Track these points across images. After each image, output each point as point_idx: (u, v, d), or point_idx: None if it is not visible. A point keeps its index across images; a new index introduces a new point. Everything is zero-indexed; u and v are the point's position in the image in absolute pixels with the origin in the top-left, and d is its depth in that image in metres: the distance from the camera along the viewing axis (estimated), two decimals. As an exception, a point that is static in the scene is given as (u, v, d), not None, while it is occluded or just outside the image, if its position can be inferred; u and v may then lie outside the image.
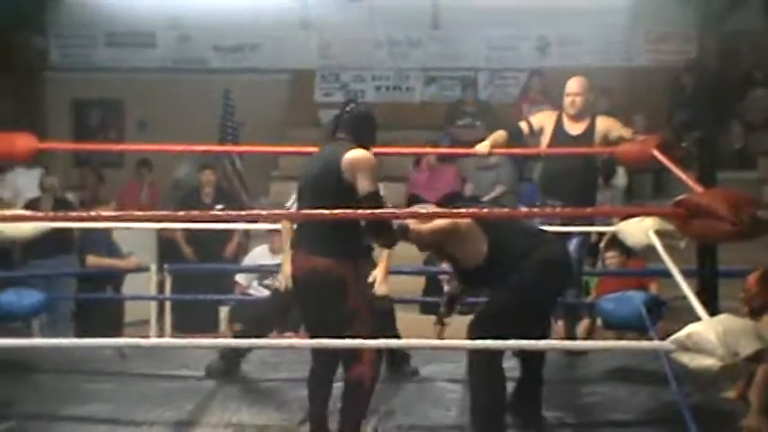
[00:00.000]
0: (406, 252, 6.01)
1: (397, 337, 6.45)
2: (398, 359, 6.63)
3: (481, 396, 5.27)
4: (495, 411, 5.31)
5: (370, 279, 6.27)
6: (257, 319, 6.65)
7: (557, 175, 7.17)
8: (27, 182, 10.72)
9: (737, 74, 12.35)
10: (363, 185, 4.92)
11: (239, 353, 6.50)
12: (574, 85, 7.22)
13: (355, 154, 4.99)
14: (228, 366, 6.53)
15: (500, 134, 7.23)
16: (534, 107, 11.56)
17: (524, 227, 5.62)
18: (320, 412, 5.27)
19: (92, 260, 9.04)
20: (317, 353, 5.25)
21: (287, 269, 5.87)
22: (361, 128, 5.19)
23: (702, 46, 12.50)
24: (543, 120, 7.29)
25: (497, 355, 5.29)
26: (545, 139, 7.24)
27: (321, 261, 5.01)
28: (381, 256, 6.49)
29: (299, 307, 5.33)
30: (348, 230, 5.04)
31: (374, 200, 4.91)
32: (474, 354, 5.23)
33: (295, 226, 5.52)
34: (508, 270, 5.24)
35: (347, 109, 5.25)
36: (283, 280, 6.11)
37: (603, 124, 7.18)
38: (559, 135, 7.18)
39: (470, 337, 5.17)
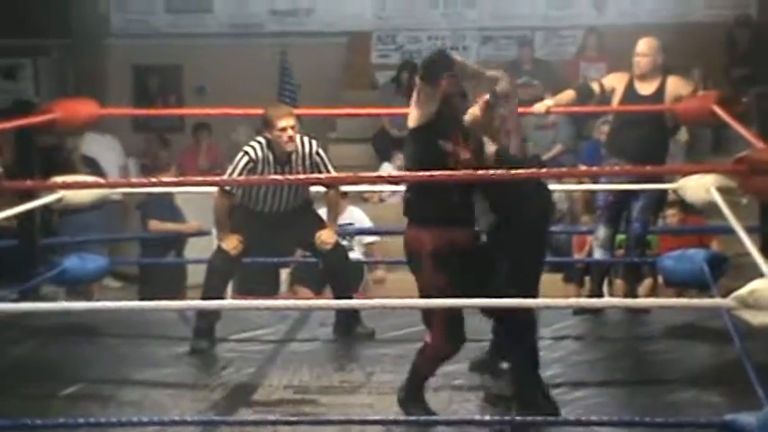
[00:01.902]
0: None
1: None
2: (351, 320, 6.65)
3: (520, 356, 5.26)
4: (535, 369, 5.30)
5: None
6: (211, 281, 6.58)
7: (625, 134, 7.15)
8: (99, 147, 10.82)
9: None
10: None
11: (215, 316, 6.49)
12: (642, 45, 7.21)
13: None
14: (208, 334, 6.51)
15: (568, 93, 7.25)
16: (591, 65, 11.50)
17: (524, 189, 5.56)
18: None
19: (154, 224, 9.15)
20: None
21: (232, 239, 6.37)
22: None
23: (761, 0, 12.31)
24: (614, 81, 7.28)
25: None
26: (616, 99, 7.23)
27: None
28: (331, 207, 6.67)
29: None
30: None
31: None
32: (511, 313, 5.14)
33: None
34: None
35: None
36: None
37: (674, 84, 7.16)
38: (630, 95, 7.17)
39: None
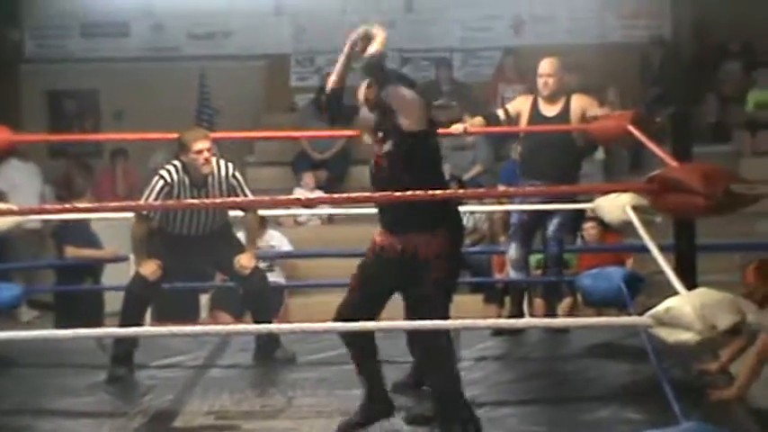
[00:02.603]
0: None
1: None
2: (271, 344, 6.62)
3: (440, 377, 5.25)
4: (456, 388, 5.31)
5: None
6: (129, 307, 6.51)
7: (536, 156, 7.16)
8: (20, 175, 10.67)
9: (711, 47, 12.36)
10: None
11: (133, 343, 6.44)
12: (545, 66, 7.19)
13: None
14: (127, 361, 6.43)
15: (478, 120, 7.27)
16: (509, 86, 11.60)
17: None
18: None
19: (70, 251, 9.02)
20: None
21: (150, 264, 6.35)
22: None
23: (675, 20, 12.51)
24: (519, 105, 7.29)
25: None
26: (522, 122, 7.23)
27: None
28: (249, 231, 6.65)
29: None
30: None
31: None
32: (427, 335, 5.10)
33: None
34: None
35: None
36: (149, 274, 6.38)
37: (579, 102, 7.16)
38: (536, 117, 7.17)
39: (418, 318, 5.01)
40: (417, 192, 4.87)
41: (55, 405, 5.91)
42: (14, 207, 7.60)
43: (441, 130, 8.42)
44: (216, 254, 6.57)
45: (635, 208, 6.31)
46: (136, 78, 12.48)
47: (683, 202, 4.44)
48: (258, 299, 6.61)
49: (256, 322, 6.59)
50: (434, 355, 5.11)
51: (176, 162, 6.40)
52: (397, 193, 4.88)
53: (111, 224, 9.02)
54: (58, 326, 8.60)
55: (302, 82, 12.86)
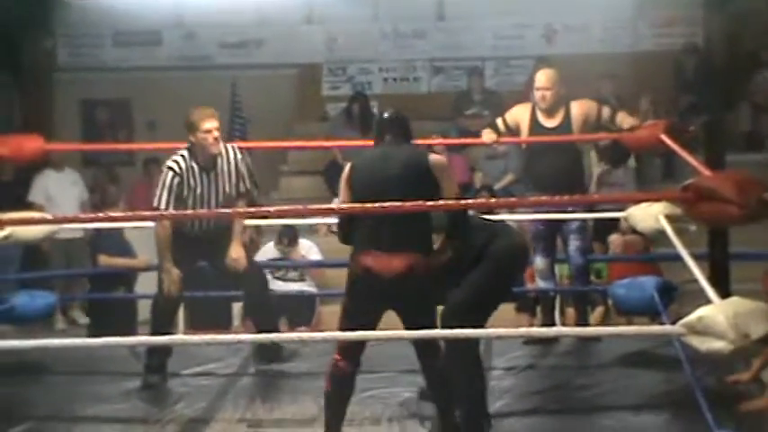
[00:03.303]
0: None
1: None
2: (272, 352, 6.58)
3: (465, 386, 5.27)
4: (479, 399, 5.34)
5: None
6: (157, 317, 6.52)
7: (541, 170, 7.08)
8: (56, 184, 10.76)
9: (744, 55, 12.30)
10: (452, 187, 5.20)
11: (166, 352, 6.44)
12: (542, 78, 7.10)
13: (440, 158, 5.43)
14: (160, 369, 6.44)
15: (487, 131, 7.23)
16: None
17: (475, 222, 5.61)
18: None
19: (104, 260, 9.07)
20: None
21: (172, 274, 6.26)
22: (408, 130, 5.35)
23: (707, 29, 12.46)
24: (518, 115, 7.19)
25: (475, 342, 5.33)
26: (522, 134, 7.18)
27: (417, 257, 5.06)
28: (236, 222, 6.54)
29: (402, 305, 5.20)
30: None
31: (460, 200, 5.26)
32: (452, 344, 5.17)
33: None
34: (473, 257, 5.31)
35: (386, 115, 5.37)
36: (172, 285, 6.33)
37: (579, 110, 7.07)
38: (536, 128, 7.10)
39: (445, 327, 5.09)
40: (446, 201, 4.93)
41: (89, 412, 5.96)
42: (48, 216, 7.65)
43: (472, 140, 8.53)
44: (222, 254, 6.49)
45: (668, 217, 6.29)
46: (168, 87, 12.52)
47: (718, 211, 4.42)
48: (258, 305, 6.58)
49: (259, 330, 6.54)
50: (452, 365, 5.17)
51: (182, 151, 6.36)
52: (429, 203, 4.90)
53: (145, 233, 9.07)
54: (91, 334, 8.65)
55: (334, 91, 12.88)
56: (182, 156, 6.33)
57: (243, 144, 11.30)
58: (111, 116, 13.13)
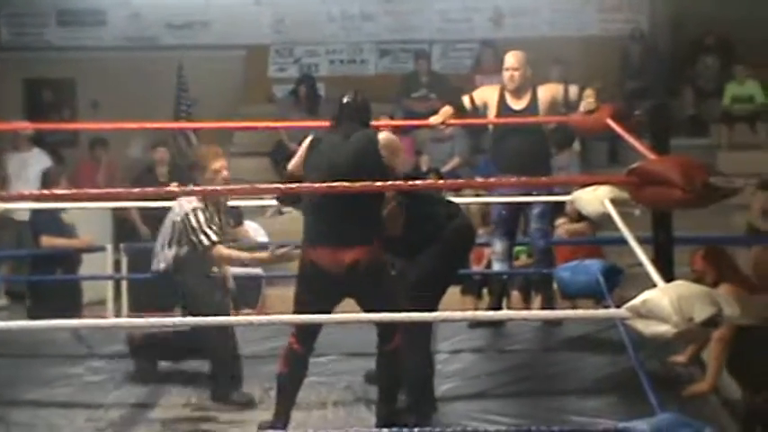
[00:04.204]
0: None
1: None
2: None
3: (414, 369, 5.30)
4: (426, 383, 5.40)
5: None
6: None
7: (507, 151, 7.11)
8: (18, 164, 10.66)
9: (688, 41, 12.39)
10: (402, 164, 5.22)
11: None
12: (511, 59, 7.13)
13: (390, 137, 5.24)
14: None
15: (446, 110, 7.19)
16: (487, 79, 11.58)
17: (438, 196, 5.69)
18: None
19: (45, 240, 8.87)
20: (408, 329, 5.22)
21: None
22: (367, 114, 5.32)
23: (653, 14, 12.54)
24: (485, 94, 7.21)
25: (427, 325, 5.36)
26: (490, 113, 7.19)
27: (367, 248, 5.05)
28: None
29: (356, 295, 5.18)
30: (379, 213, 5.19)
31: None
32: (403, 327, 5.16)
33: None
34: (426, 238, 5.35)
35: (346, 100, 5.30)
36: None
37: (546, 93, 7.11)
38: (503, 110, 7.12)
39: (396, 308, 4.98)
40: (397, 182, 4.93)
41: (29, 396, 5.90)
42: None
43: (419, 122, 8.52)
44: None
45: (613, 201, 6.32)
46: (113, 68, 12.42)
47: (663, 195, 4.43)
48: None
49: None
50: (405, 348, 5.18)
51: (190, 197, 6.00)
52: (383, 183, 4.88)
53: (88, 214, 8.99)
54: (31, 316, 8.52)
55: (281, 73, 12.82)
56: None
57: (189, 124, 11.32)
58: (55, 96, 12.99)
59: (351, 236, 5.03)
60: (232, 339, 5.97)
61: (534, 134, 7.14)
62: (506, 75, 7.11)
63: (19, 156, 10.64)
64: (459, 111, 7.18)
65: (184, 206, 5.91)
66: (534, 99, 7.08)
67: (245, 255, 6.04)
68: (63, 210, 8.57)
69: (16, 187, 10.12)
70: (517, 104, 7.10)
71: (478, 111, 7.20)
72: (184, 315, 6.02)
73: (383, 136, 5.23)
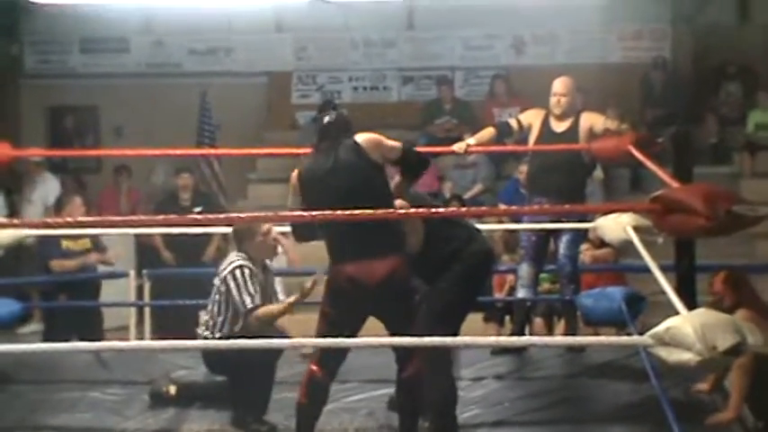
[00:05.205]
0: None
1: None
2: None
3: (436, 395, 5.28)
4: (449, 410, 5.36)
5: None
6: None
7: (543, 172, 7.18)
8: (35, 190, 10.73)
9: (711, 69, 12.39)
10: (393, 146, 5.18)
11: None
12: (558, 85, 7.26)
13: (368, 136, 5.18)
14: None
15: (488, 131, 7.27)
16: (504, 110, 11.61)
17: (458, 219, 5.68)
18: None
19: (56, 264, 8.73)
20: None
21: None
22: (349, 130, 5.24)
23: (675, 42, 12.55)
24: (531, 117, 7.31)
25: (448, 351, 5.36)
26: (533, 136, 7.27)
27: (399, 259, 5.07)
28: None
29: (383, 314, 5.16)
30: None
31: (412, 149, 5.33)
32: (425, 352, 5.14)
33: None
34: (446, 260, 5.34)
35: (327, 120, 5.24)
36: None
37: (587, 120, 7.19)
38: (545, 133, 7.21)
39: (418, 334, 4.98)
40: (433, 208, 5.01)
41: (52, 421, 5.91)
42: (16, 221, 7.56)
43: (442, 149, 8.53)
44: None
45: (636, 228, 6.30)
46: (136, 95, 12.49)
47: (686, 223, 4.42)
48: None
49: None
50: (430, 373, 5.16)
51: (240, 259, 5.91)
52: (401, 211, 4.89)
53: (111, 241, 8.98)
54: (47, 339, 8.47)
55: (304, 99, 12.87)
56: (239, 257, 5.90)
57: (212, 151, 11.37)
58: (78, 122, 13.07)
59: (381, 247, 5.03)
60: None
61: (571, 160, 7.18)
62: (553, 100, 7.22)
63: (29, 179, 10.68)
64: (505, 133, 7.28)
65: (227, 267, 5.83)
66: (576, 124, 7.15)
67: (279, 308, 5.80)
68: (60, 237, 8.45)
69: (25, 210, 10.17)
70: (559, 127, 7.19)
71: (524, 132, 7.28)
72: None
73: (361, 138, 5.17)
